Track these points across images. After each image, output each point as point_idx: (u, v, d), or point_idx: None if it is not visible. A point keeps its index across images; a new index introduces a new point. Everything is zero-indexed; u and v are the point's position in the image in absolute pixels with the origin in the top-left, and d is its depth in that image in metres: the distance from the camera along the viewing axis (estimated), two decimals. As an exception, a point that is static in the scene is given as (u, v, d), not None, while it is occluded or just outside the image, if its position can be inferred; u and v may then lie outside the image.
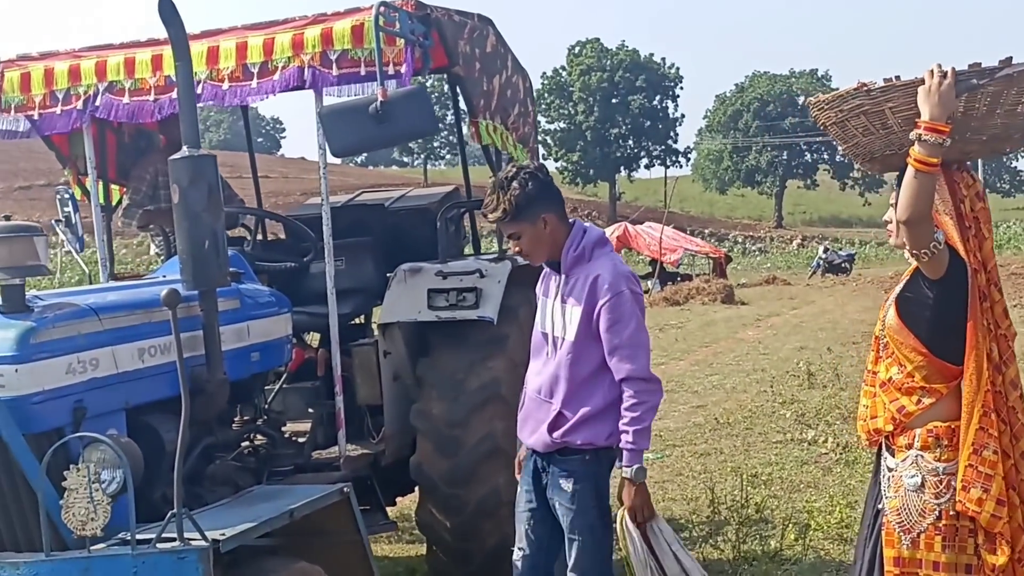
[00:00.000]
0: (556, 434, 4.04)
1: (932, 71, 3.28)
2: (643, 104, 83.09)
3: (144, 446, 3.87)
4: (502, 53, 6.07)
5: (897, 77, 3.38)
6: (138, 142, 6.59)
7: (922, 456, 3.51)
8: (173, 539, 3.38)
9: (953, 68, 3.28)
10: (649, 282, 32.54)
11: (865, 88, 3.40)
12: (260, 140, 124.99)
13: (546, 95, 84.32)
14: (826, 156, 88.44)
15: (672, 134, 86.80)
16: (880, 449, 3.72)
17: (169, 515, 3.40)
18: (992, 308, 3.50)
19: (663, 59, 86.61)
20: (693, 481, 8.28)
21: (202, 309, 4.35)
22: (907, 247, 3.42)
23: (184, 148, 4.23)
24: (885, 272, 38.72)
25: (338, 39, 5.05)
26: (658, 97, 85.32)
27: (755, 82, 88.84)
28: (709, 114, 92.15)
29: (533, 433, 4.15)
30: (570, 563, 4.11)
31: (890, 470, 3.62)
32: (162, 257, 6.28)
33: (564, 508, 4.09)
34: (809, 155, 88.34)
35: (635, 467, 3.90)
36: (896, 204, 3.58)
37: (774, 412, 10.95)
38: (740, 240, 68.91)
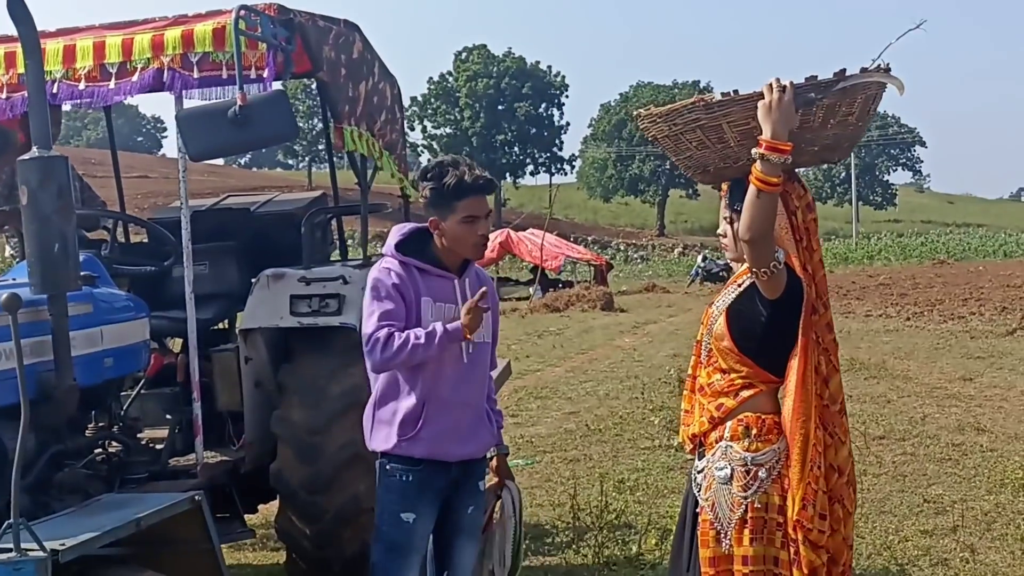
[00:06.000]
0: (495, 433, 4.19)
1: (771, 85, 3.25)
2: (529, 111, 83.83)
3: (-14, 453, 3.78)
4: (368, 60, 6.05)
5: (736, 91, 3.35)
6: (-7, 140, 6.40)
7: (731, 446, 3.51)
8: (9, 550, 3.30)
9: (791, 82, 3.26)
10: (531, 288, 32.82)
11: (703, 102, 3.36)
12: (140, 140, 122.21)
13: (432, 100, 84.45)
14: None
15: (557, 142, 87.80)
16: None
17: (4, 525, 3.31)
18: (818, 321, 3.54)
19: (549, 67, 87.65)
20: (560, 487, 8.33)
21: (51, 314, 4.24)
22: (747, 265, 3.43)
23: (34, 148, 4.13)
24: (761, 281, 39.56)
25: (199, 41, 4.98)
26: (544, 104, 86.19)
27: (639, 92, 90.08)
28: (594, 123, 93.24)
29: (469, 442, 4.07)
30: (464, 564, 4.17)
31: (699, 472, 3.64)
32: (17, 259, 6.11)
33: (478, 512, 4.17)
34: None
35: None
36: (729, 218, 3.62)
37: (644, 418, 11.10)
38: (623, 248, 69.87)
